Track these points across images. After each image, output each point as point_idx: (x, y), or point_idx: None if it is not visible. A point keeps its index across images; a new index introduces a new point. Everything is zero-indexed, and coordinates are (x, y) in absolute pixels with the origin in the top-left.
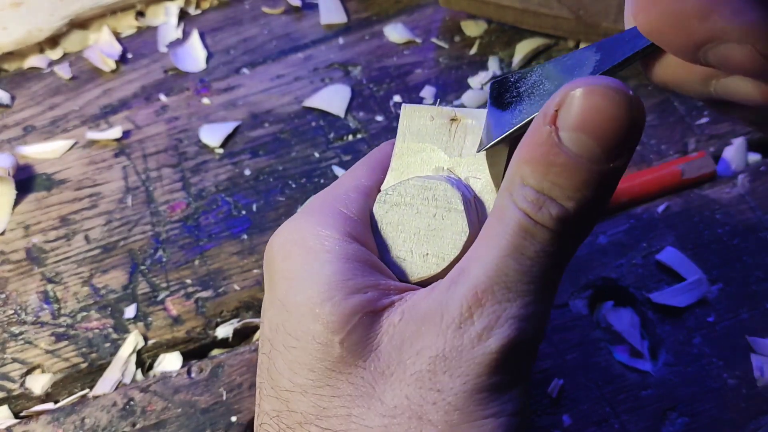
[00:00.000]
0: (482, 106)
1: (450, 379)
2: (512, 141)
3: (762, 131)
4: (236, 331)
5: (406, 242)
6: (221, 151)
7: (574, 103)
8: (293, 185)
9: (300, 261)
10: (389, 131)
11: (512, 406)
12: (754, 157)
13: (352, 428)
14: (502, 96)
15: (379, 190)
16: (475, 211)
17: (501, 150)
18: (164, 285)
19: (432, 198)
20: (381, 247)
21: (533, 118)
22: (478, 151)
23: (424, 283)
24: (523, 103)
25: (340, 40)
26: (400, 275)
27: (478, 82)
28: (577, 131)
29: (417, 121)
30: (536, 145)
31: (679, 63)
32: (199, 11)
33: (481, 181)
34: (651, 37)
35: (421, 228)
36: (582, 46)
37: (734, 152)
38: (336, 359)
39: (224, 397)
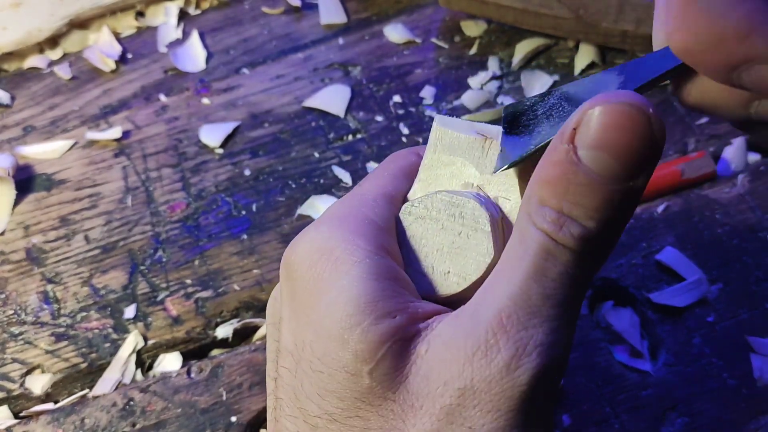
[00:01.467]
0: (482, 106)
1: (481, 414)
2: (533, 162)
3: None
4: (236, 332)
5: (428, 257)
6: (221, 151)
7: (593, 121)
8: (293, 185)
9: (328, 274)
10: (389, 131)
11: None
12: (754, 157)
13: None
14: (517, 119)
15: (405, 200)
16: (502, 233)
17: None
18: (164, 285)
19: (459, 215)
20: (403, 259)
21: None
22: (494, 172)
23: (444, 301)
24: (541, 125)
25: (340, 40)
26: (420, 290)
27: (478, 82)
28: (596, 149)
29: (450, 133)
30: (554, 165)
31: (718, 85)
32: (198, 11)
33: (511, 202)
34: (686, 57)
35: (444, 245)
36: (582, 46)
37: (734, 152)
38: (365, 390)
39: (224, 398)
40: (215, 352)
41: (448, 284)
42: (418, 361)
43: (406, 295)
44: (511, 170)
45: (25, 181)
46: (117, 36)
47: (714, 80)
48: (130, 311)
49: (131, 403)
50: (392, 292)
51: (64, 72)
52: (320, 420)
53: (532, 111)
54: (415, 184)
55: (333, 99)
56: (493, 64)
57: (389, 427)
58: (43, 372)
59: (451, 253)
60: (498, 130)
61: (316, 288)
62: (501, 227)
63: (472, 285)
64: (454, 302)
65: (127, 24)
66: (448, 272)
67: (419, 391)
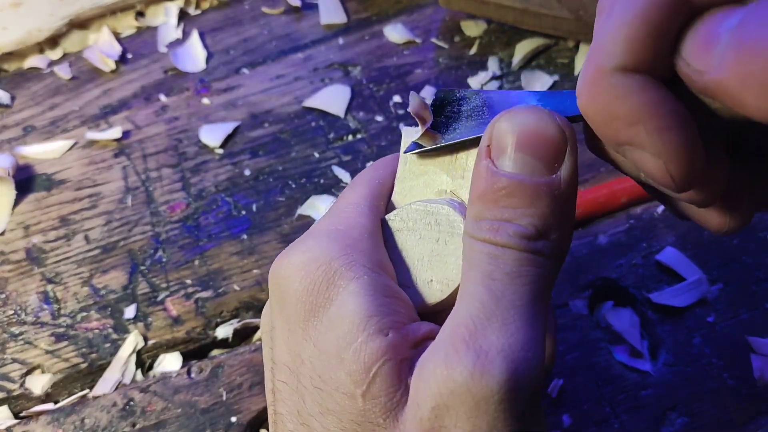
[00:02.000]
0: None
1: (461, 428)
2: (443, 153)
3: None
4: (236, 332)
5: (411, 268)
6: (221, 151)
7: (501, 128)
8: (293, 185)
9: (325, 287)
10: (389, 131)
11: None
12: None
13: None
14: (443, 107)
15: (386, 212)
16: None
17: None
18: (164, 285)
19: (435, 223)
20: None
21: (462, 141)
22: (404, 152)
23: (432, 310)
24: (460, 122)
25: (340, 41)
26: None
27: (478, 82)
28: (510, 153)
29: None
30: (479, 180)
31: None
32: (198, 11)
33: None
34: (585, 117)
35: (424, 254)
36: (582, 46)
37: None
38: (359, 412)
39: (224, 398)
40: (215, 352)
41: (432, 292)
42: (408, 391)
43: (401, 315)
44: None
45: (25, 181)
46: (117, 36)
47: (604, 142)
48: (130, 311)
49: (131, 403)
50: (388, 309)
51: (64, 72)
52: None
53: (458, 105)
54: (393, 197)
55: (333, 99)
56: (493, 64)
57: None
58: (43, 372)
59: (431, 261)
60: None
61: (312, 301)
62: None
63: (456, 290)
64: (443, 310)
65: (127, 24)
66: (431, 280)
67: (405, 419)
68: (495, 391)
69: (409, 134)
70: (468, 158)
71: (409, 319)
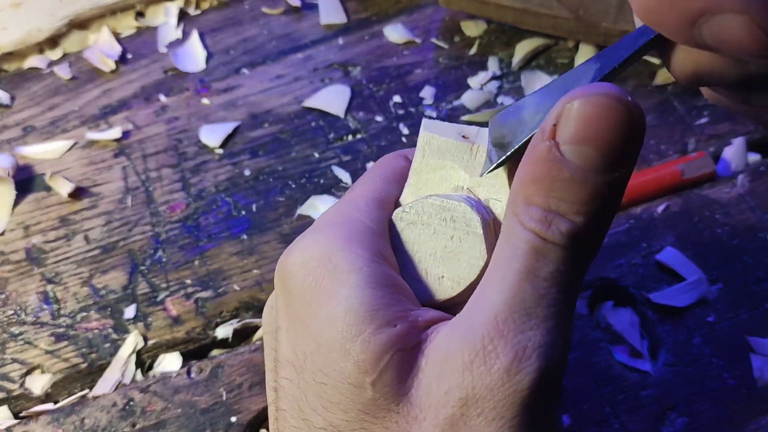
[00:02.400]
0: (482, 106)
1: (485, 422)
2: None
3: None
4: (236, 332)
5: (422, 262)
6: (221, 151)
7: (572, 115)
8: (293, 185)
9: (326, 282)
10: (389, 131)
11: None
12: (754, 157)
13: None
14: (503, 123)
15: (396, 205)
16: (494, 235)
17: None
18: (164, 285)
19: (450, 219)
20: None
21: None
22: (482, 174)
23: (440, 306)
24: (524, 124)
25: (340, 41)
26: (416, 295)
27: (478, 82)
28: (578, 143)
29: (438, 137)
30: (537, 163)
31: (691, 51)
32: (198, 11)
33: (501, 204)
34: (647, 19)
35: (437, 249)
36: (582, 46)
37: (734, 152)
38: (368, 402)
39: (224, 398)
40: (215, 352)
41: (442, 289)
42: (420, 374)
43: (405, 303)
44: (501, 171)
45: (25, 181)
46: (117, 36)
47: (680, 42)
48: (130, 311)
49: (131, 403)
50: (391, 300)
51: (63, 72)
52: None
53: (517, 113)
54: (406, 188)
55: (333, 99)
56: (493, 64)
57: None
58: (43, 372)
59: (444, 257)
60: (481, 131)
61: (314, 297)
62: (492, 229)
63: (467, 288)
64: (450, 307)
65: (127, 24)
66: (442, 276)
67: (422, 403)
68: (526, 387)
69: (429, 126)
70: (485, 156)
71: (412, 305)
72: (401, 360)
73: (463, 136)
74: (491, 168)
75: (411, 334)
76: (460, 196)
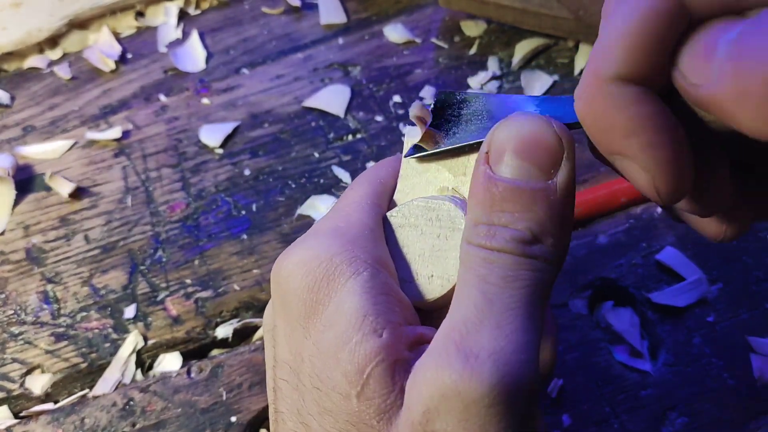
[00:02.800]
0: None
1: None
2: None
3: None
4: (236, 331)
5: (412, 264)
6: (221, 151)
7: (499, 136)
8: (293, 185)
9: (326, 285)
10: (389, 131)
11: None
12: None
13: None
14: (444, 110)
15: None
16: None
17: None
18: (164, 285)
19: (436, 218)
20: None
21: (461, 146)
22: (404, 156)
23: (432, 305)
24: (460, 126)
25: (340, 41)
26: (409, 297)
27: (478, 82)
28: (506, 159)
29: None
30: (477, 186)
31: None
32: (198, 11)
33: None
34: (582, 123)
35: (425, 249)
36: (581, 46)
37: None
38: (354, 413)
39: (224, 397)
40: (215, 352)
41: (432, 288)
42: (402, 394)
43: (397, 314)
44: None
45: (25, 181)
46: (117, 36)
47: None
48: (130, 311)
49: (131, 403)
50: (384, 307)
51: (63, 72)
52: None
53: (458, 108)
54: (395, 194)
55: (333, 99)
56: (492, 64)
57: None
58: (43, 372)
59: (432, 256)
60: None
61: (313, 298)
62: None
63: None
64: (442, 307)
65: (127, 24)
66: (432, 276)
67: (399, 424)
68: (485, 395)
69: (412, 134)
70: (470, 156)
71: (406, 319)
72: (383, 373)
73: None
74: (413, 156)
75: (395, 347)
76: (446, 197)
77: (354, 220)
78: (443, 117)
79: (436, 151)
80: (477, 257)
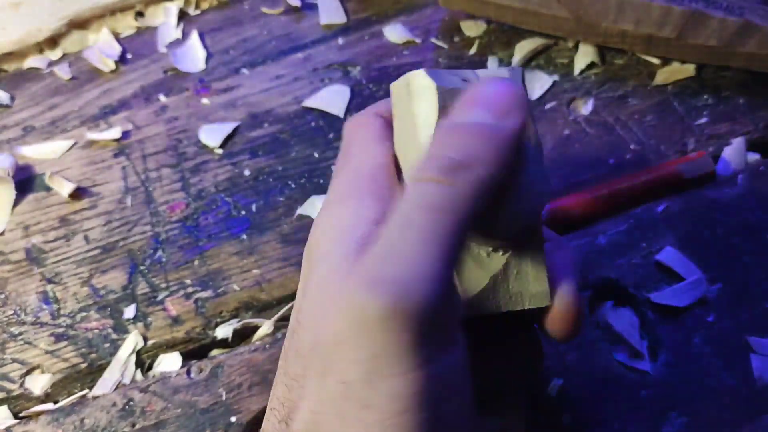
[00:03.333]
0: None
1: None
2: None
3: None
4: (236, 332)
5: (405, 152)
6: (221, 151)
7: (470, 91)
8: (293, 185)
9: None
10: None
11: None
12: (754, 157)
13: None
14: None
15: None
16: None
17: None
18: (164, 285)
19: (407, 93)
20: None
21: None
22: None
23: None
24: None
25: (340, 41)
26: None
27: None
28: (462, 107)
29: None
30: (437, 130)
31: None
32: (198, 11)
33: None
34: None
35: (407, 129)
36: (581, 46)
37: (733, 152)
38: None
39: (224, 398)
40: (215, 352)
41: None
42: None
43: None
44: None
45: (25, 181)
46: (117, 36)
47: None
48: (129, 311)
49: (131, 403)
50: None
51: (63, 72)
52: (296, 382)
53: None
54: (394, 139)
55: (333, 99)
56: (492, 64)
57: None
58: (42, 372)
59: (411, 127)
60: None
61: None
62: None
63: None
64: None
65: (127, 24)
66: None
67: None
68: (379, 318)
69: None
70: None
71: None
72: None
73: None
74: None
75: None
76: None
77: (382, 183)
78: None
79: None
80: (410, 191)
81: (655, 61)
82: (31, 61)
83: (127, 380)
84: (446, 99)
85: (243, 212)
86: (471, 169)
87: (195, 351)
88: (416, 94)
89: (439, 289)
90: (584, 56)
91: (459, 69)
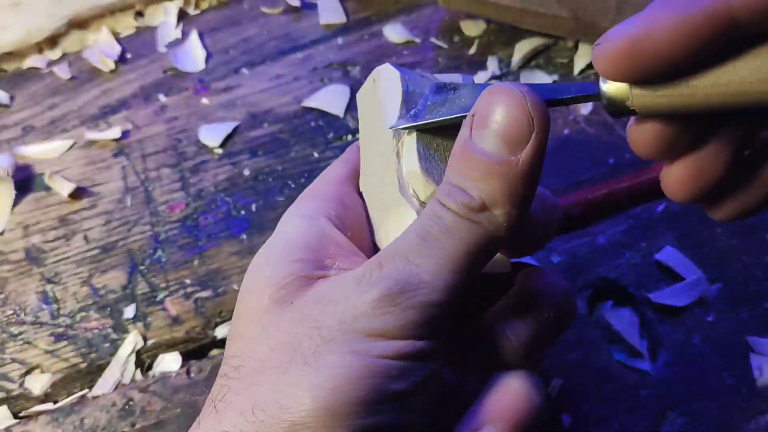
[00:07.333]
0: None
1: (328, 317)
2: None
3: None
4: None
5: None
6: (220, 151)
7: (479, 104)
8: (292, 185)
9: (269, 242)
10: None
11: (389, 351)
12: None
13: (247, 364)
14: (438, 92)
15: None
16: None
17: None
18: (163, 285)
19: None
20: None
21: (441, 119)
22: (391, 128)
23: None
24: (444, 107)
25: (339, 40)
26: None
27: (478, 82)
28: (481, 128)
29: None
30: (456, 146)
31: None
32: (198, 11)
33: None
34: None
35: (377, 130)
36: (581, 45)
37: None
38: (263, 310)
39: None
40: (215, 352)
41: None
42: (313, 291)
43: (328, 249)
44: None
45: (25, 181)
46: (116, 36)
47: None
48: (129, 311)
49: (131, 403)
50: (310, 246)
51: (63, 72)
52: (228, 342)
53: (450, 92)
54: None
55: (332, 99)
56: (492, 64)
57: (261, 333)
58: (42, 372)
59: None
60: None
61: (259, 252)
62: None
63: None
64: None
65: (127, 24)
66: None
67: (301, 309)
68: (372, 298)
69: (386, 75)
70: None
71: (337, 253)
72: (302, 284)
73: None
74: (397, 126)
75: (317, 269)
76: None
77: (326, 189)
78: (438, 100)
79: (415, 124)
80: (431, 208)
81: None
82: (31, 61)
83: (126, 380)
84: (409, 85)
85: (243, 212)
86: (495, 208)
87: (195, 351)
88: (381, 84)
89: (448, 295)
90: (584, 56)
91: (440, 73)
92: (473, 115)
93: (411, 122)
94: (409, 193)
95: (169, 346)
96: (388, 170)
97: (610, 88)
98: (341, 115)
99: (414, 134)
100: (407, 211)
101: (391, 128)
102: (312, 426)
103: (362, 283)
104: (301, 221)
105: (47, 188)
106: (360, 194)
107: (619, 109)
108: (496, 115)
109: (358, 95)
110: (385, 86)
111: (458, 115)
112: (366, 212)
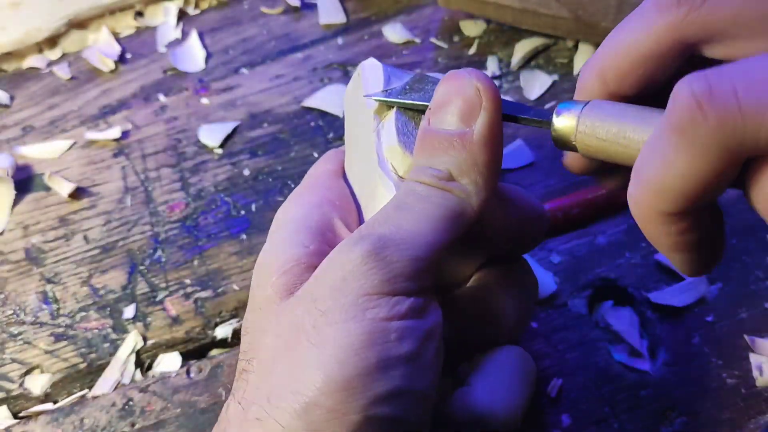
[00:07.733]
0: None
1: (320, 287)
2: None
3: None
4: (235, 331)
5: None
6: (220, 151)
7: (434, 95)
8: (292, 185)
9: (272, 232)
10: None
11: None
12: None
13: (258, 355)
14: (419, 81)
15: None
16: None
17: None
18: (163, 285)
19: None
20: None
21: (412, 102)
22: (365, 95)
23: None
24: (419, 93)
25: (339, 40)
26: None
27: None
28: (437, 114)
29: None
30: (419, 135)
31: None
32: (198, 11)
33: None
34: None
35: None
36: (581, 45)
37: None
38: (267, 300)
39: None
40: (214, 352)
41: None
42: (311, 279)
43: (326, 236)
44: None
45: (24, 181)
46: (116, 36)
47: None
48: (129, 311)
49: (130, 403)
50: (310, 232)
51: (63, 72)
52: (244, 335)
53: (429, 84)
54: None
55: (332, 99)
56: (492, 64)
57: (267, 321)
58: (42, 372)
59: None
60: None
61: (267, 240)
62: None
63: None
64: None
65: (126, 24)
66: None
67: (301, 296)
68: (355, 260)
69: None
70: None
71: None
72: (301, 270)
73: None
74: (371, 96)
75: (314, 256)
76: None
77: (321, 181)
78: (413, 87)
79: (390, 99)
80: (405, 185)
81: None
82: (31, 61)
83: (126, 380)
84: (391, 76)
85: (242, 212)
86: (461, 177)
87: (194, 351)
88: (364, 75)
89: (430, 251)
90: (584, 56)
91: (437, 73)
92: (430, 109)
93: (385, 96)
94: (388, 167)
95: (168, 346)
96: (371, 151)
97: (560, 122)
98: (341, 115)
99: (393, 112)
100: (387, 185)
101: (365, 96)
102: (327, 404)
103: (346, 246)
104: (300, 209)
105: (47, 188)
106: (348, 185)
107: (562, 144)
108: (448, 96)
109: (345, 91)
110: (367, 76)
111: (427, 103)
112: (356, 200)
